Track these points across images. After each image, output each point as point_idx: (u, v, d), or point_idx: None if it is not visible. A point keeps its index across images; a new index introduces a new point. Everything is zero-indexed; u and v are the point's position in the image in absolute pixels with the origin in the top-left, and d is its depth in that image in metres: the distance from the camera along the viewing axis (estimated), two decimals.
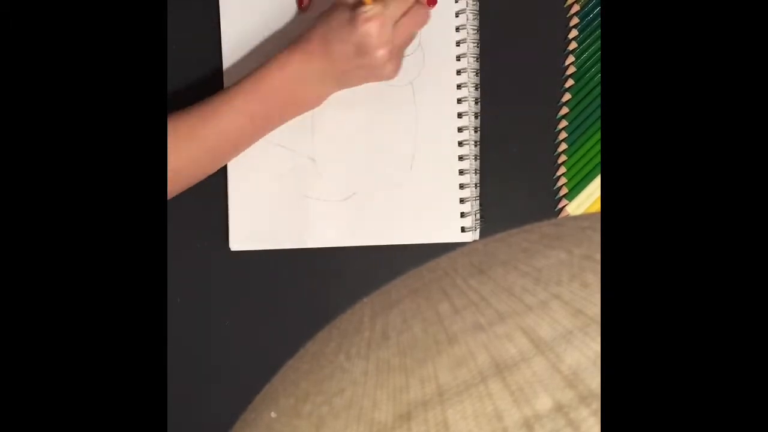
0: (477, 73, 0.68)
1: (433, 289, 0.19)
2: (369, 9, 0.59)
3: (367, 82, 0.65)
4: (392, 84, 0.68)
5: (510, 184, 0.69)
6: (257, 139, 0.66)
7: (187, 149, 0.63)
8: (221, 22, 0.70)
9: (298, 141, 0.68)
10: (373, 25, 0.60)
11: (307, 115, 0.67)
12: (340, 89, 0.66)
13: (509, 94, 0.69)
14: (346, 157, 0.68)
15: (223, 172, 0.69)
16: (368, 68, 0.62)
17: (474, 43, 0.68)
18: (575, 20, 0.68)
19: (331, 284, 0.69)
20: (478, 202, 0.68)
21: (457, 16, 0.68)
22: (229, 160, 0.67)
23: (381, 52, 0.61)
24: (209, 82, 0.70)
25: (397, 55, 0.63)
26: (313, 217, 0.68)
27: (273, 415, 0.19)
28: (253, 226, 0.69)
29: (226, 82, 0.69)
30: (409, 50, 0.67)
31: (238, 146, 0.66)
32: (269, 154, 0.68)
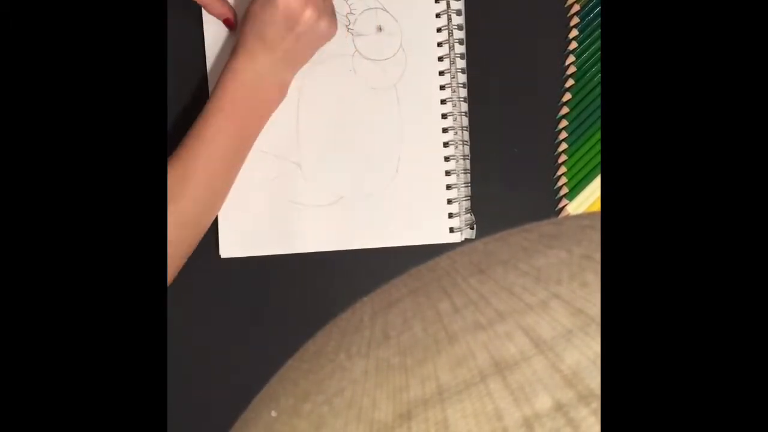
0: (463, 72, 0.68)
1: (433, 289, 0.19)
2: None
3: (315, 49, 0.66)
4: (376, 87, 0.68)
5: (510, 184, 0.69)
6: (247, 151, 0.67)
7: (185, 197, 0.63)
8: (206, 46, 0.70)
9: (284, 147, 0.68)
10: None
11: (293, 120, 0.68)
12: (296, 70, 0.67)
13: (510, 94, 0.69)
14: (332, 161, 0.69)
15: None
16: (305, 35, 0.63)
17: (457, 42, 0.68)
18: (575, 20, 0.68)
19: (325, 286, 0.70)
20: (468, 202, 0.68)
21: (437, 17, 0.68)
22: (230, 185, 0.67)
23: (308, 14, 0.62)
24: (194, 90, 0.70)
25: (324, 10, 0.63)
26: (300, 222, 0.69)
27: (273, 414, 0.19)
28: (242, 232, 0.69)
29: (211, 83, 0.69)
30: (391, 52, 0.68)
31: (230, 170, 0.66)
32: (256, 161, 0.68)
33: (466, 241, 0.68)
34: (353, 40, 0.69)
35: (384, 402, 0.16)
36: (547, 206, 0.69)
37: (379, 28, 0.68)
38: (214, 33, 0.70)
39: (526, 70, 0.68)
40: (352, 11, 0.69)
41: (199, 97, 0.70)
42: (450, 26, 0.68)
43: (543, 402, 0.14)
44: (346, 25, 0.69)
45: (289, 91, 0.68)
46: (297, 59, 0.65)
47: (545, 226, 0.21)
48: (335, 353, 0.19)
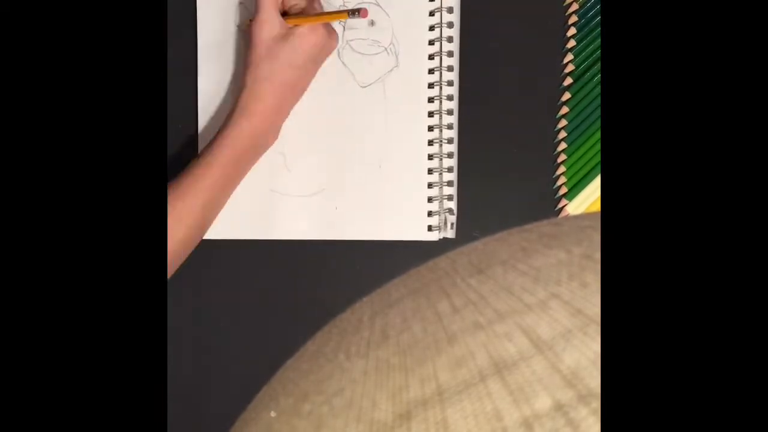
0: (450, 69, 0.68)
1: (432, 289, 0.19)
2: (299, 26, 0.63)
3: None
4: (364, 81, 0.68)
5: (509, 184, 0.69)
6: (234, 188, 0.67)
7: (177, 222, 0.63)
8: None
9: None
10: (312, 37, 0.63)
11: None
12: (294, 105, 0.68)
13: (509, 94, 0.69)
14: (316, 152, 0.69)
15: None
16: (321, 60, 0.67)
17: (446, 39, 0.68)
18: (574, 18, 0.68)
19: (324, 286, 0.70)
20: (451, 201, 0.68)
21: (431, 15, 0.68)
22: (218, 211, 0.68)
23: (332, 45, 0.66)
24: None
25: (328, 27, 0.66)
26: (281, 211, 0.69)
27: (273, 414, 0.19)
28: (223, 216, 0.69)
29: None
30: (381, 47, 0.68)
31: (220, 200, 0.67)
32: None
33: (444, 240, 0.68)
34: (344, 33, 0.69)
35: (383, 402, 0.16)
36: (547, 206, 0.68)
37: (371, 23, 0.69)
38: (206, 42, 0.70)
39: (525, 69, 0.68)
40: (345, 4, 0.69)
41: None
42: (442, 24, 0.68)
43: (542, 402, 0.14)
44: None
45: None
46: (303, 90, 0.67)
47: (545, 226, 0.21)
48: (335, 353, 0.19)
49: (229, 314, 0.70)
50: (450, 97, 0.68)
